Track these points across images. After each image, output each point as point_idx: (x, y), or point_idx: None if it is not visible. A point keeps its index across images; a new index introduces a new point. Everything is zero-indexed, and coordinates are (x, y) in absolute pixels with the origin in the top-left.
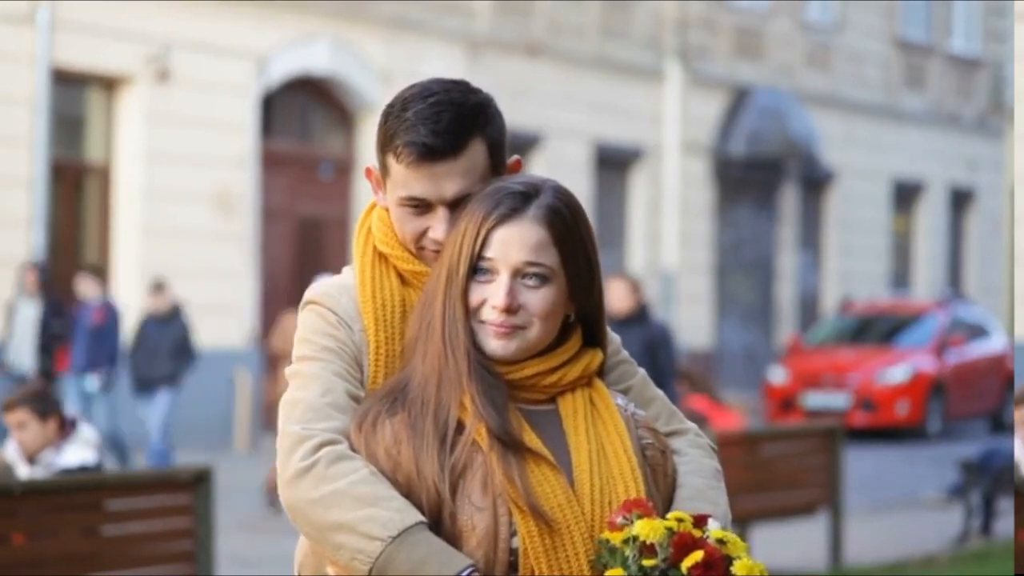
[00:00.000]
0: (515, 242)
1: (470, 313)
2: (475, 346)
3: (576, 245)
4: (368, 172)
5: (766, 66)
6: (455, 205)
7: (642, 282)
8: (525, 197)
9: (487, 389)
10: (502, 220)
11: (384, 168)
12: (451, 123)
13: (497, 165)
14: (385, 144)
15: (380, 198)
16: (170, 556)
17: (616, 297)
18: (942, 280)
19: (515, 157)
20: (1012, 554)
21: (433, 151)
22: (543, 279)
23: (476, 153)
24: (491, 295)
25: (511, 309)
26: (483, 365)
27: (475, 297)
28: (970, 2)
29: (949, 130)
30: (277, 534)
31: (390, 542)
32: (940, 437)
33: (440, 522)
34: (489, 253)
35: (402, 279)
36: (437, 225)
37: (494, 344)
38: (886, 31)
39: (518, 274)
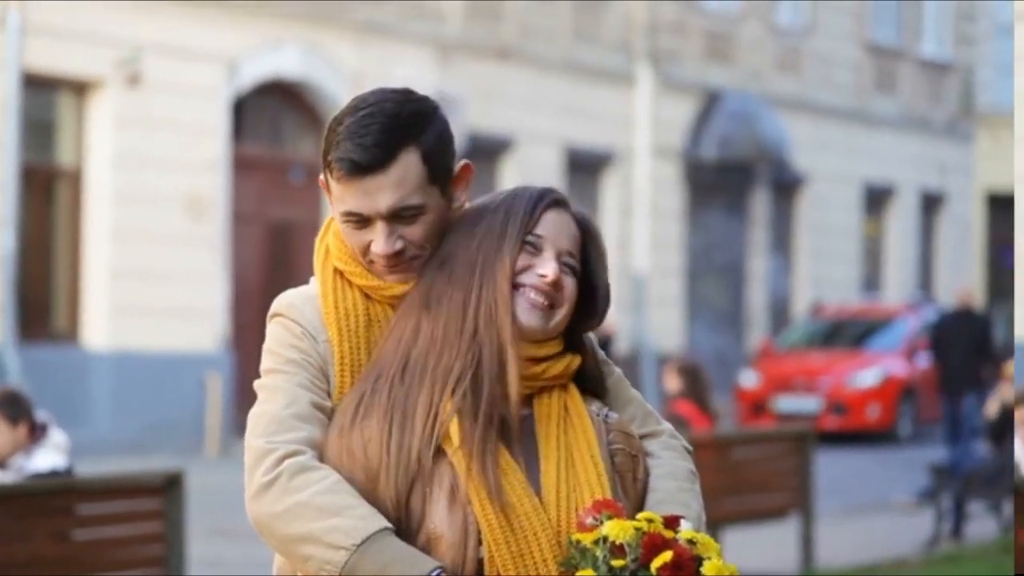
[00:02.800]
0: (564, 227)
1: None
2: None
3: (596, 256)
4: (321, 183)
5: (737, 70)
6: (394, 217)
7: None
8: (563, 199)
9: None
10: (553, 205)
11: (326, 181)
12: (378, 136)
13: (436, 172)
14: (324, 159)
15: (332, 208)
16: (141, 561)
17: None
18: (913, 284)
19: (464, 162)
20: (983, 556)
21: (360, 166)
22: (572, 270)
23: (408, 164)
24: (539, 265)
25: (558, 284)
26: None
27: (521, 261)
28: (941, 5)
29: (920, 134)
30: (248, 539)
31: (354, 550)
32: (911, 441)
33: (409, 521)
34: (540, 230)
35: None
36: (378, 239)
37: (528, 314)
38: (857, 35)
39: (559, 257)
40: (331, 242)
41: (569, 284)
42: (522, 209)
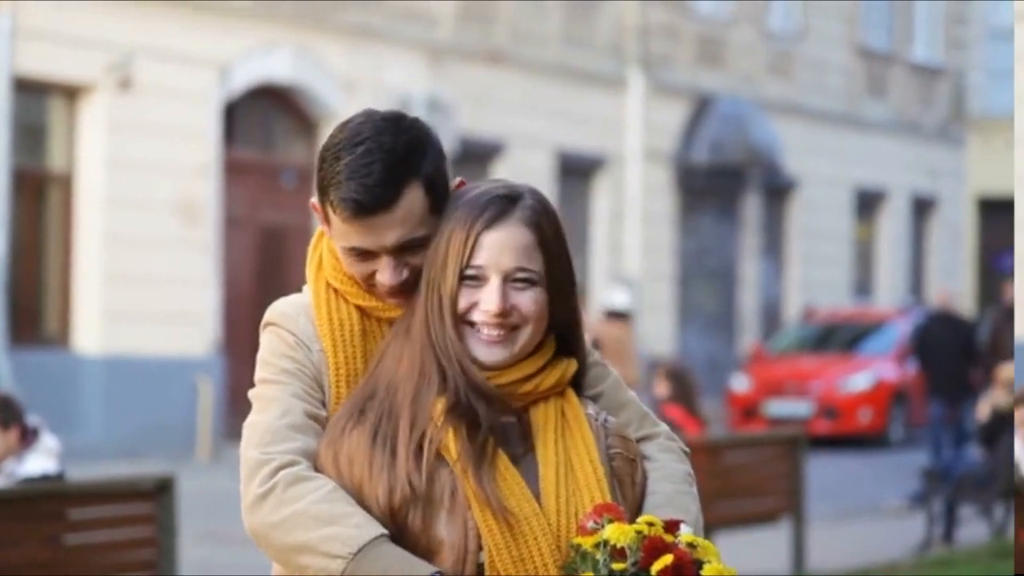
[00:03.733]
0: (504, 246)
1: (458, 318)
2: (463, 351)
3: (558, 248)
4: (314, 207)
5: (728, 74)
6: (400, 251)
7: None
8: (509, 200)
9: (471, 394)
10: (490, 224)
11: (323, 213)
12: (382, 175)
13: (437, 200)
14: (322, 192)
15: (328, 231)
16: (133, 565)
17: None
18: (904, 288)
19: (458, 179)
20: (975, 560)
21: (366, 208)
22: (530, 282)
23: (413, 199)
24: (482, 300)
25: (505, 312)
26: (469, 369)
27: (464, 301)
28: (932, 10)
29: (911, 138)
30: (240, 543)
31: (351, 559)
32: (902, 445)
33: (406, 535)
34: (478, 260)
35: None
36: (384, 270)
37: (485, 351)
38: (848, 39)
39: (508, 278)
40: (325, 258)
41: (527, 299)
42: (458, 240)
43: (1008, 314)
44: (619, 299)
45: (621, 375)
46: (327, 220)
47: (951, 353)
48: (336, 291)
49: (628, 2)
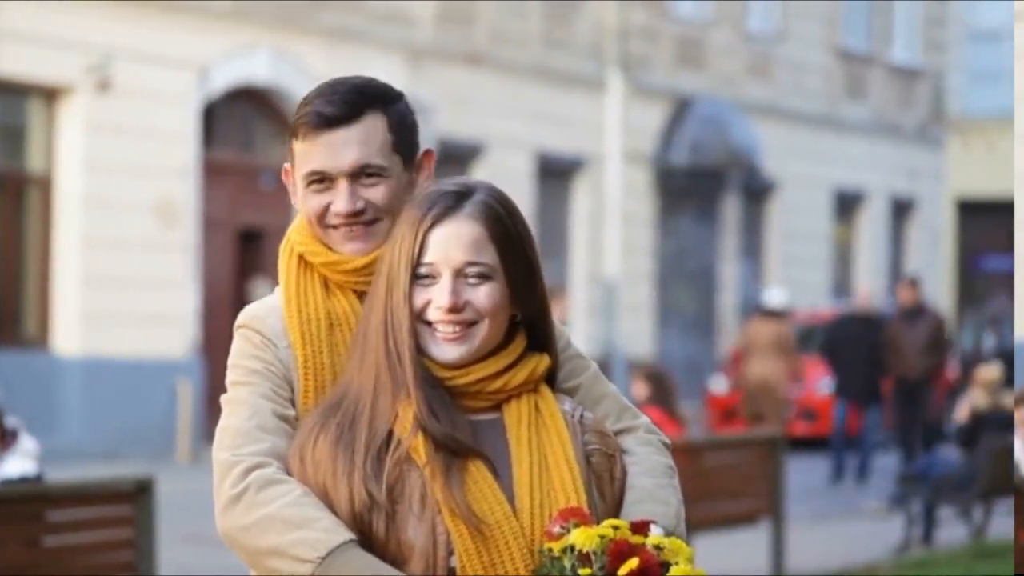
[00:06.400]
0: (453, 241)
1: (414, 317)
2: (420, 352)
3: (513, 242)
4: (285, 173)
5: (708, 76)
6: (356, 177)
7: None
8: (459, 196)
9: (433, 395)
10: (438, 220)
11: (291, 155)
12: (346, 94)
13: (400, 144)
14: (291, 130)
15: (295, 201)
16: (112, 567)
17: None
18: (883, 290)
19: (426, 148)
20: (953, 561)
21: (327, 119)
22: (484, 276)
23: (374, 124)
24: (435, 296)
25: (457, 308)
26: (427, 371)
27: (419, 300)
28: (911, 11)
29: (890, 140)
30: (219, 545)
31: (319, 563)
32: (880, 447)
33: (372, 541)
34: (428, 257)
35: (326, 287)
36: (339, 197)
37: (443, 348)
38: (827, 41)
39: (459, 273)
40: (293, 232)
41: (481, 294)
42: (408, 238)
43: (905, 315)
44: (775, 297)
45: (780, 370)
46: (293, 165)
47: (860, 355)
48: (306, 269)
49: (608, 3)
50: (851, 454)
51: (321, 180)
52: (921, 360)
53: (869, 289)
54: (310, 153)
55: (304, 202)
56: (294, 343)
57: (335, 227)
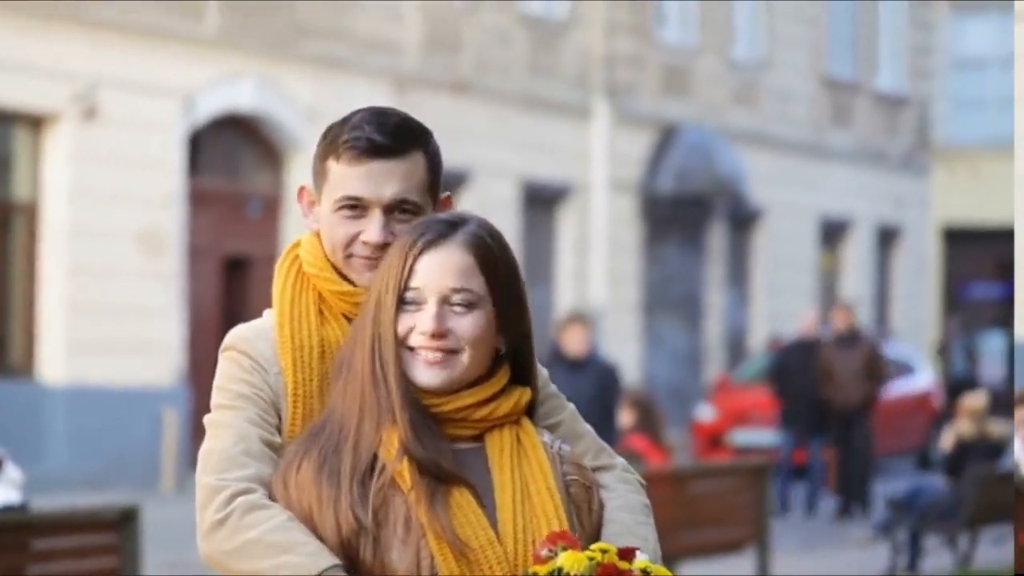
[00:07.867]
0: (441, 268)
1: (399, 342)
2: (405, 377)
3: (502, 273)
4: (301, 192)
5: (693, 104)
6: (391, 211)
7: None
8: (451, 225)
9: (419, 421)
10: (428, 247)
11: (323, 176)
12: (398, 126)
13: (432, 185)
14: (327, 150)
15: (310, 222)
16: None
17: (576, 340)
18: (868, 317)
19: (446, 193)
20: None
21: (378, 147)
22: (470, 304)
23: (418, 162)
24: (419, 322)
25: (440, 334)
26: (413, 396)
27: (403, 326)
28: (896, 39)
29: (876, 168)
30: (205, 572)
31: None
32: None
33: (359, 566)
34: (415, 282)
35: (320, 312)
36: (371, 228)
37: (425, 373)
38: (813, 69)
39: (445, 301)
40: (303, 251)
41: (466, 323)
42: (397, 264)
43: (839, 341)
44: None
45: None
46: (323, 183)
47: (806, 384)
48: (303, 294)
49: (593, 31)
50: (801, 485)
51: (354, 207)
52: (856, 388)
53: (814, 316)
54: (349, 178)
55: (331, 226)
56: (285, 369)
57: (360, 257)
